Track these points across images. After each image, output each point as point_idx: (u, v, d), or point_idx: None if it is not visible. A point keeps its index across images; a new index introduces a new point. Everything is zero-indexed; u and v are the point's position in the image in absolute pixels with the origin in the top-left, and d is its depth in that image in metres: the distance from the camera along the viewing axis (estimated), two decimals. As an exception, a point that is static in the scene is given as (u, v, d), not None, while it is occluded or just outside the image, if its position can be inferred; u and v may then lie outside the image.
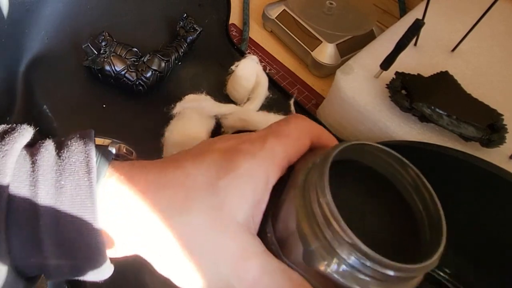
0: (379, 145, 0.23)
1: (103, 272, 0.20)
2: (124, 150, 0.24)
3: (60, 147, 0.20)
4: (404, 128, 0.35)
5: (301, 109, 0.43)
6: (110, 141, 0.23)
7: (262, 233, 0.22)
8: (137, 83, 0.41)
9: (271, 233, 0.22)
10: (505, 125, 0.33)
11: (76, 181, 0.18)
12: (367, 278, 0.19)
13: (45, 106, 0.40)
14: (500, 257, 0.29)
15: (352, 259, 0.19)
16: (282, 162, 0.22)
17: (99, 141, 0.23)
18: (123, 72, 0.40)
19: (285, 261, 0.21)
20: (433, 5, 0.38)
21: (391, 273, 0.18)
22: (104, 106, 0.41)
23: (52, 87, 0.41)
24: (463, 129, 0.33)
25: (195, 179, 0.20)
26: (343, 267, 0.19)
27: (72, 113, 0.40)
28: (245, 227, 0.20)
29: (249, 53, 0.52)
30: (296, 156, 0.23)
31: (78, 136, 0.20)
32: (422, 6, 0.39)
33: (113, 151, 0.22)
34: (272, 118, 0.37)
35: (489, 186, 0.28)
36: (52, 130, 0.38)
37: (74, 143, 0.20)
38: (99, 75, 0.41)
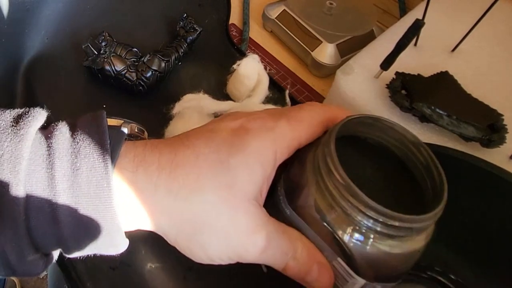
0: (391, 121, 0.24)
1: (119, 247, 0.21)
2: (136, 130, 0.25)
3: (74, 129, 0.20)
4: (404, 128, 0.35)
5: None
6: (122, 121, 0.24)
7: (272, 184, 0.24)
8: (137, 83, 0.41)
9: (281, 186, 0.24)
10: (505, 125, 0.33)
11: (91, 163, 0.19)
12: (377, 235, 0.20)
13: (45, 106, 0.40)
14: (501, 257, 0.29)
15: (362, 216, 0.20)
16: (291, 144, 0.22)
17: (112, 121, 0.23)
18: (123, 72, 0.40)
19: (288, 209, 0.23)
20: (433, 5, 0.38)
21: (396, 223, 0.19)
22: (104, 106, 0.41)
23: (52, 87, 0.41)
24: (463, 129, 0.33)
25: (206, 158, 0.21)
26: (356, 231, 0.21)
27: (72, 113, 0.40)
28: (254, 201, 0.21)
29: (249, 53, 0.52)
30: (307, 141, 0.23)
31: (90, 118, 0.21)
32: (422, 6, 0.39)
33: (126, 131, 0.22)
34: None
35: (489, 186, 0.28)
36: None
37: (87, 126, 0.20)
38: (99, 75, 0.41)
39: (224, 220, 0.20)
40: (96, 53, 0.40)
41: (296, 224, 0.24)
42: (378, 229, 0.20)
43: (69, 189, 0.18)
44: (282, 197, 0.24)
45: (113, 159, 0.20)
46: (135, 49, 0.42)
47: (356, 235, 0.21)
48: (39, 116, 0.20)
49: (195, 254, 0.21)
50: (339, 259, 0.22)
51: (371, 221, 0.20)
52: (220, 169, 0.20)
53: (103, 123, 0.21)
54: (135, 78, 0.41)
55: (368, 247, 0.21)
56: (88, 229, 0.19)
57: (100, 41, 0.40)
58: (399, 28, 0.38)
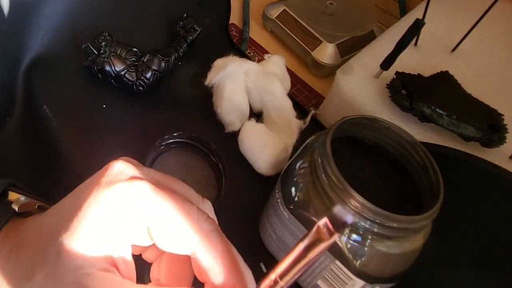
0: (387, 121, 0.24)
1: None
2: (36, 207, 0.24)
3: None
4: (404, 128, 0.35)
5: (301, 109, 0.43)
6: (24, 198, 0.22)
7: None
8: (137, 83, 0.41)
9: (278, 189, 0.25)
10: (505, 125, 0.33)
11: None
12: (375, 236, 0.20)
13: (45, 106, 0.40)
14: (500, 257, 0.29)
15: (359, 218, 0.20)
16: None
17: (13, 196, 0.22)
18: (123, 72, 0.40)
19: (286, 212, 0.24)
20: (433, 5, 0.38)
21: (394, 224, 0.20)
22: (104, 106, 0.41)
23: (52, 87, 0.41)
24: (463, 129, 0.33)
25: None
26: (353, 232, 0.21)
27: (72, 114, 0.40)
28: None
29: (249, 53, 0.52)
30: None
31: None
32: (422, 6, 0.39)
33: (16, 209, 0.21)
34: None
35: (489, 186, 0.28)
36: (52, 131, 0.38)
37: None
38: (99, 75, 0.41)
39: None
40: (96, 53, 0.40)
41: (294, 227, 0.24)
42: (376, 230, 0.20)
43: None
44: (280, 200, 0.24)
45: None
46: (135, 49, 0.42)
47: (354, 237, 0.21)
48: None
49: None
50: (337, 262, 0.22)
51: (369, 222, 0.20)
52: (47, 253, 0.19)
53: None
54: (135, 78, 0.41)
55: (366, 248, 0.21)
56: None
57: (100, 41, 0.40)
58: (399, 28, 0.38)
